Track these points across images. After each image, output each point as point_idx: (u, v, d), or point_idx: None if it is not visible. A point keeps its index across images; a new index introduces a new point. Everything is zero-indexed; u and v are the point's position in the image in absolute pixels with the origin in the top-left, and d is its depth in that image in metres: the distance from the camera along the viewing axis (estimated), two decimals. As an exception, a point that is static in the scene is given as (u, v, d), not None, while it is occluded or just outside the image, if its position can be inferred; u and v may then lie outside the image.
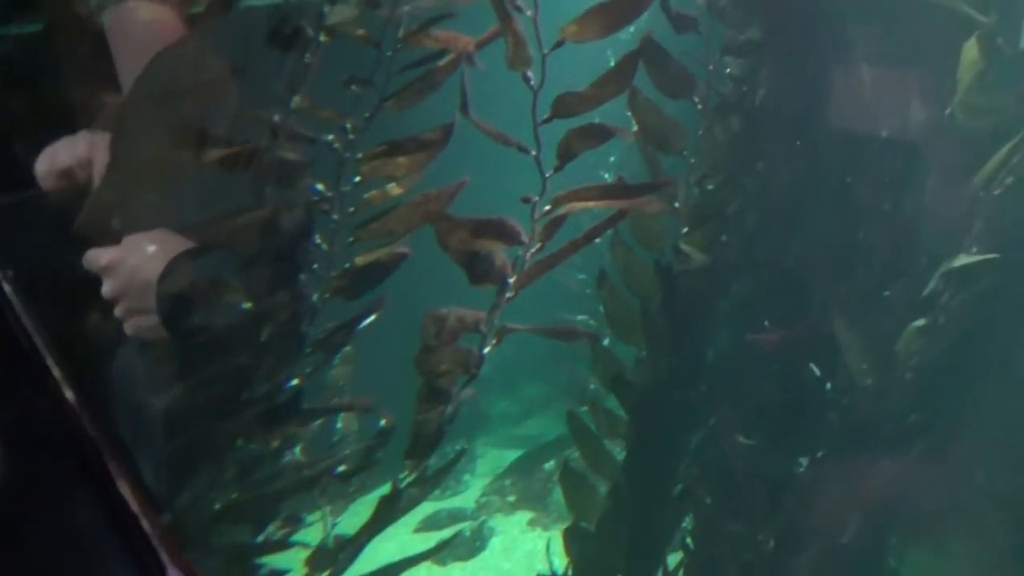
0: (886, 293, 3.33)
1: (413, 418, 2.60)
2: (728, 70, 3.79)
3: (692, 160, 3.80)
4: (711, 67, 3.62)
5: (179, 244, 1.89)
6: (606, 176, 6.04)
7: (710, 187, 3.86)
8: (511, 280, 2.46)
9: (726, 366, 3.95)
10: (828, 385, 3.54)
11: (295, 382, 2.32)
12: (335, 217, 2.35)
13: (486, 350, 2.55)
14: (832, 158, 3.42)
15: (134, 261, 1.84)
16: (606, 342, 4.30)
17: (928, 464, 3.42)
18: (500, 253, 2.41)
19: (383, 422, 2.68)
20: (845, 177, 3.40)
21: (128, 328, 1.89)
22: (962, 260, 2.99)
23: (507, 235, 2.34)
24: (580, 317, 6.06)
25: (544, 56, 2.11)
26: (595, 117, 2.40)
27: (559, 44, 2.13)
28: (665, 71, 3.51)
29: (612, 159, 6.40)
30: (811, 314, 3.52)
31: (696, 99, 3.72)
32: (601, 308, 4.06)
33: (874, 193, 3.33)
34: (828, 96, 3.34)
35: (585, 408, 4.19)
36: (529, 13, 2.07)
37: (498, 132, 2.18)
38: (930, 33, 2.97)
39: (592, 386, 5.58)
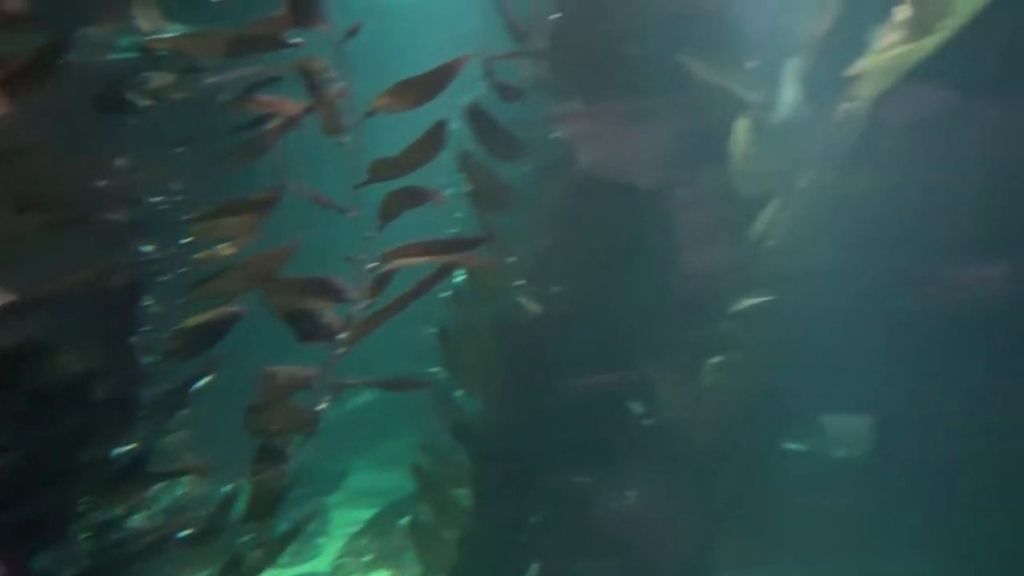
0: (691, 336, 3.66)
1: (249, 480, 2.59)
2: (555, 135, 4.04)
3: (524, 218, 4.07)
4: (537, 133, 3.90)
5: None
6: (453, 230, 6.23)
7: (543, 242, 4.12)
8: (342, 336, 2.55)
9: (564, 410, 4.16)
10: (648, 422, 3.83)
11: (132, 446, 2.28)
12: (166, 278, 2.37)
13: (321, 407, 2.59)
14: (642, 216, 3.75)
15: None
16: (457, 394, 4.43)
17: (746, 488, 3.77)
18: (329, 311, 2.49)
19: (228, 487, 2.66)
20: (652, 233, 3.74)
21: None
22: (747, 302, 3.37)
23: (333, 293, 2.43)
24: (433, 370, 6.15)
25: (358, 124, 2.25)
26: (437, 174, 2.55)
27: (371, 114, 2.28)
28: (492, 136, 3.77)
29: (457, 215, 6.59)
30: (632, 357, 3.80)
31: (526, 162, 4.01)
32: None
33: (675, 246, 3.68)
34: (637, 161, 3.68)
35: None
36: (342, 84, 2.21)
37: (318, 194, 2.29)
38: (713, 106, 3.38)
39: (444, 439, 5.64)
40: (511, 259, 4.11)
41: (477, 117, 3.76)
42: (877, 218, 3.27)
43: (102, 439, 2.16)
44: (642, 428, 3.86)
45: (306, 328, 2.45)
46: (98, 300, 2.11)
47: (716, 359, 3.57)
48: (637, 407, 3.87)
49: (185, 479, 2.70)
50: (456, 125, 4.01)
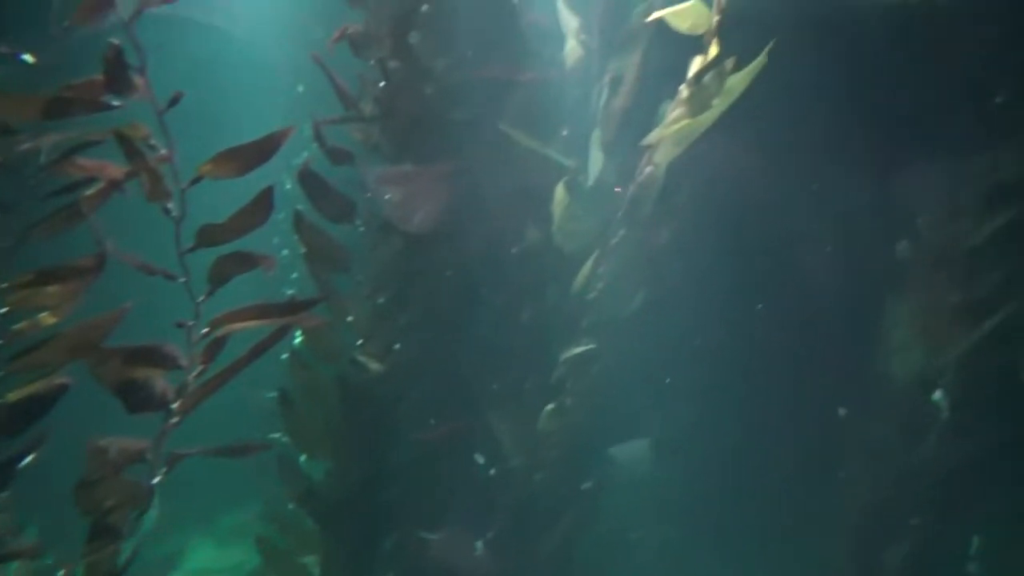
0: (526, 384, 3.86)
1: (81, 561, 2.48)
2: (388, 196, 4.16)
3: (360, 277, 4.14)
4: (369, 194, 4.01)
5: None
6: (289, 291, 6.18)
7: (380, 300, 4.20)
8: (175, 405, 2.51)
9: (409, 467, 4.20)
10: (492, 471, 3.95)
11: None
12: (-20, 352, 2.27)
13: (156, 480, 2.53)
14: (476, 272, 3.94)
15: None
16: (301, 459, 4.37)
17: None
18: (160, 379, 2.45)
19: (61, 572, 2.52)
20: (483, 287, 3.94)
21: None
22: (575, 350, 3.61)
23: (164, 361, 2.40)
24: (274, 435, 6.01)
25: (183, 190, 2.27)
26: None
27: (196, 180, 2.31)
28: (325, 199, 3.84)
29: (294, 275, 6.56)
30: (472, 408, 3.93)
31: (359, 222, 4.10)
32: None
33: (508, 301, 3.89)
34: (468, 220, 3.87)
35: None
36: (163, 151, 2.24)
37: (140, 261, 2.28)
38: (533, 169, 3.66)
39: (290, 506, 5.52)
40: (349, 318, 4.16)
41: (309, 180, 3.84)
42: (680, 265, 3.68)
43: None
44: (484, 477, 3.98)
45: (137, 399, 2.39)
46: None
47: (550, 406, 3.75)
48: (478, 457, 3.99)
49: (13, 564, 2.55)
50: (289, 185, 4.09)
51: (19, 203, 2.27)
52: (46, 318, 2.45)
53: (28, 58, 2.27)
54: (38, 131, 2.28)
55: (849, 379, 4.15)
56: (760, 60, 2.95)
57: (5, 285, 2.33)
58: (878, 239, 3.98)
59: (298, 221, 3.86)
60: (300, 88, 6.24)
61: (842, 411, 4.28)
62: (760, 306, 4.19)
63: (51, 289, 2.43)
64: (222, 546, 6.80)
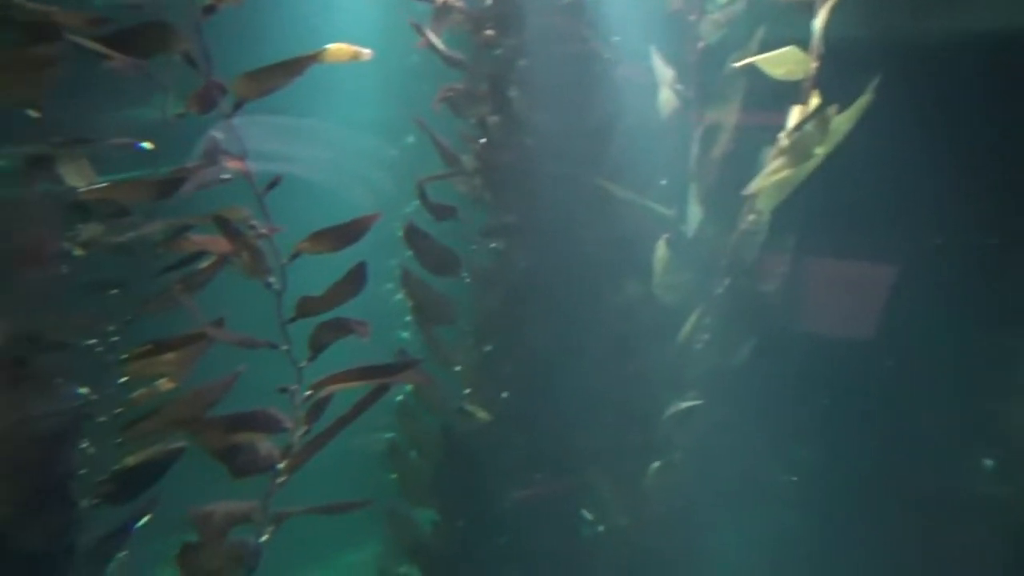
0: (630, 438, 3.78)
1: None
2: (492, 245, 4.21)
3: (466, 328, 4.19)
4: (473, 247, 4.08)
5: None
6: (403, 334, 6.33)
7: (487, 349, 4.23)
8: (280, 465, 2.59)
9: (516, 519, 4.18)
10: (599, 528, 3.88)
11: None
12: (100, 419, 2.42)
13: (263, 539, 2.61)
14: (576, 323, 3.91)
15: None
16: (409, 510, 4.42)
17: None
18: (264, 442, 2.54)
19: None
20: (586, 339, 3.90)
21: None
22: (681, 405, 3.51)
23: (268, 424, 2.49)
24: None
25: (283, 266, 2.38)
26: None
27: (296, 256, 2.42)
28: (429, 253, 3.93)
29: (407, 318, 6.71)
30: (577, 462, 3.89)
31: (464, 275, 4.17)
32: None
33: (609, 353, 3.83)
34: (568, 269, 3.87)
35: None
36: (264, 230, 2.35)
37: (241, 336, 2.39)
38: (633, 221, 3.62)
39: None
40: (456, 368, 4.20)
41: (414, 235, 3.93)
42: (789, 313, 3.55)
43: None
44: (591, 533, 3.91)
45: (240, 463, 2.48)
46: (30, 448, 2.15)
47: (656, 463, 3.66)
48: (584, 513, 3.93)
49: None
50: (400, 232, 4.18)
51: (134, 281, 2.42)
52: (164, 384, 2.59)
53: (147, 145, 2.42)
54: (149, 212, 2.43)
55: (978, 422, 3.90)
56: (865, 99, 2.82)
57: (124, 356, 2.48)
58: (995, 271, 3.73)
59: (405, 277, 3.95)
60: (410, 139, 6.45)
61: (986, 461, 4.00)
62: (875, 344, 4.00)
63: (168, 357, 2.57)
64: (341, 588, 6.92)
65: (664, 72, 3.54)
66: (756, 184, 2.99)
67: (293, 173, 2.52)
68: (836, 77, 2.92)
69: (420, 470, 4.18)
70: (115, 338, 2.50)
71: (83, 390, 2.43)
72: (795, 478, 4.37)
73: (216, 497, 2.58)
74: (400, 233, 4.24)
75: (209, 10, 2.26)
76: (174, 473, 2.57)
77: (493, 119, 3.95)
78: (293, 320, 2.46)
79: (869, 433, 4.13)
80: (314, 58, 2.37)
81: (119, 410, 2.49)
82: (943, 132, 3.43)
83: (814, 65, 2.80)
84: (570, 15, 3.82)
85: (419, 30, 3.65)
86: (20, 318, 2.25)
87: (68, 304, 2.36)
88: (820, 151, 2.77)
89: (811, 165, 2.81)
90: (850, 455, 4.20)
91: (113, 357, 2.46)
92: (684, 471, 3.68)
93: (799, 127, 2.87)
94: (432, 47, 3.70)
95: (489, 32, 3.77)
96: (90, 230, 2.34)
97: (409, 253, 4.00)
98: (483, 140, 3.97)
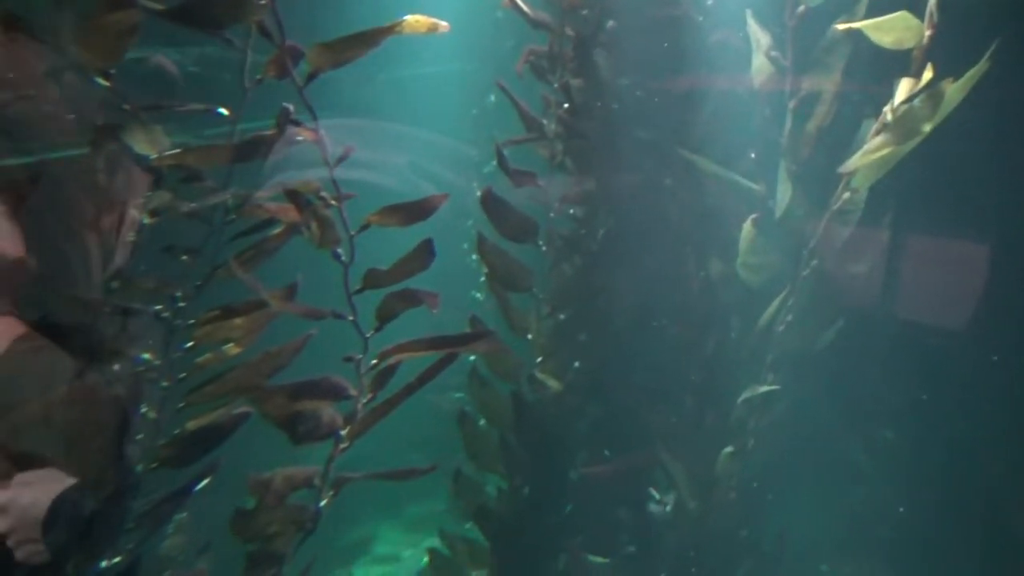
0: (705, 420, 3.64)
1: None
2: (572, 211, 4.08)
3: (541, 295, 4.10)
4: (552, 214, 3.96)
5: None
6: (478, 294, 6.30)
7: (561, 317, 4.14)
8: (343, 432, 2.58)
9: (583, 489, 4.13)
10: (667, 507, 3.78)
11: (117, 560, 2.26)
12: (164, 384, 2.43)
13: (322, 503, 2.61)
14: (657, 296, 3.77)
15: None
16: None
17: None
18: (328, 409, 2.53)
19: None
20: (665, 314, 3.76)
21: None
22: (759, 389, 3.34)
23: (332, 392, 2.47)
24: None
25: (352, 237, 2.34)
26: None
27: (364, 227, 2.37)
28: (506, 220, 3.83)
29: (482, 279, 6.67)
30: (647, 439, 3.79)
31: (541, 242, 4.06)
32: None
33: (689, 330, 3.69)
34: (650, 241, 3.71)
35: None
36: (333, 202, 2.31)
37: (307, 308, 2.36)
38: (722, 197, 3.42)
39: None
40: (528, 336, 4.13)
41: (491, 202, 3.84)
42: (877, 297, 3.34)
43: (89, 552, 2.19)
44: (659, 512, 3.82)
45: (303, 430, 2.48)
46: (93, 413, 2.16)
47: (728, 448, 3.53)
48: (653, 491, 3.84)
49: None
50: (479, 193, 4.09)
51: (206, 247, 2.41)
52: (231, 349, 2.59)
53: (223, 111, 2.39)
54: (223, 178, 2.40)
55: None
56: (981, 66, 2.55)
57: (192, 321, 2.48)
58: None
59: (480, 243, 3.87)
60: (491, 98, 6.31)
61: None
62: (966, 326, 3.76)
63: (237, 322, 2.57)
64: (410, 533, 7.06)
65: (760, 37, 3.30)
66: (854, 161, 2.76)
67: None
68: (946, 44, 2.64)
69: (488, 436, 4.15)
70: (183, 304, 2.50)
71: (146, 355, 2.44)
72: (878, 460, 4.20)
73: (285, 462, 2.61)
74: (478, 194, 4.16)
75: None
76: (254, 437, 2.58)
77: (577, 82, 3.79)
78: (360, 291, 2.42)
79: (959, 420, 3.92)
80: (390, 30, 2.29)
81: (183, 375, 2.50)
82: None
83: (928, 33, 2.53)
84: (661, -25, 3.61)
85: (505, -12, 3.50)
86: (87, 283, 2.26)
87: (137, 269, 2.36)
88: (927, 128, 2.52)
89: (913, 143, 2.56)
90: (938, 440, 4.00)
91: (182, 322, 2.47)
92: (756, 457, 3.53)
93: (908, 101, 2.61)
94: (515, 6, 3.55)
95: (576, -9, 3.59)
96: (160, 196, 2.32)
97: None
98: (566, 104, 3.83)
